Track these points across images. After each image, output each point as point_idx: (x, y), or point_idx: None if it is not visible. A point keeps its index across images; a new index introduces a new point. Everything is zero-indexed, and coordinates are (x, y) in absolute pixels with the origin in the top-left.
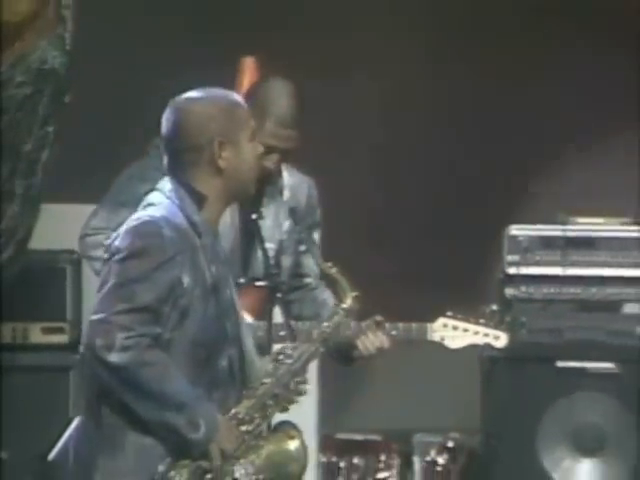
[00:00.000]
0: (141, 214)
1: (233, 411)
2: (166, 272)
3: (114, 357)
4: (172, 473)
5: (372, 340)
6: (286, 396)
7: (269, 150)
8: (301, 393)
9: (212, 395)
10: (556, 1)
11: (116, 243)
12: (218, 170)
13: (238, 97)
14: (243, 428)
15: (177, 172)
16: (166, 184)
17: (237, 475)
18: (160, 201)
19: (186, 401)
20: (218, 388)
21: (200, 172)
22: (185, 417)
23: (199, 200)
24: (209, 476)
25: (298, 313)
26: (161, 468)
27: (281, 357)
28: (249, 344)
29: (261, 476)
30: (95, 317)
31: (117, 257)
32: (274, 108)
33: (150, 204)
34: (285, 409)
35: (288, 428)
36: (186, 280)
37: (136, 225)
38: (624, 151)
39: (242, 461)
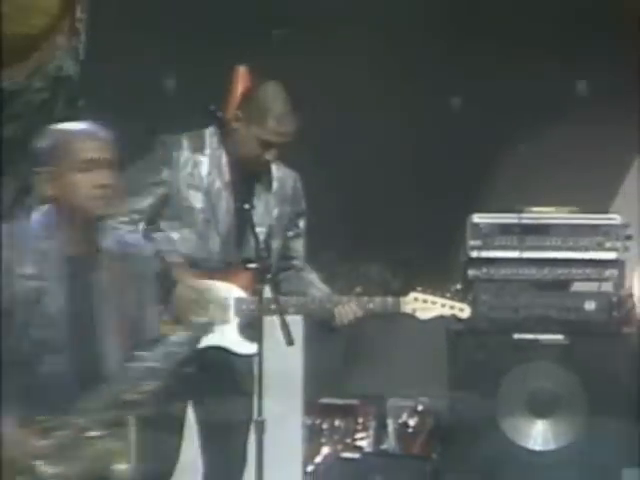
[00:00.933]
0: None
1: (37, 426)
2: None
3: None
4: None
5: (348, 311)
6: (128, 396)
7: (270, 145)
8: (146, 395)
9: (33, 397)
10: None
11: None
12: (46, 197)
13: (88, 129)
14: (45, 434)
15: None
16: None
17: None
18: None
19: None
20: (39, 391)
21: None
22: None
23: (52, 219)
24: None
25: (287, 290)
26: None
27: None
28: (105, 350)
29: (71, 468)
30: None
31: None
32: (274, 109)
33: None
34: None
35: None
36: None
37: None
38: (576, 148)
39: (46, 464)
